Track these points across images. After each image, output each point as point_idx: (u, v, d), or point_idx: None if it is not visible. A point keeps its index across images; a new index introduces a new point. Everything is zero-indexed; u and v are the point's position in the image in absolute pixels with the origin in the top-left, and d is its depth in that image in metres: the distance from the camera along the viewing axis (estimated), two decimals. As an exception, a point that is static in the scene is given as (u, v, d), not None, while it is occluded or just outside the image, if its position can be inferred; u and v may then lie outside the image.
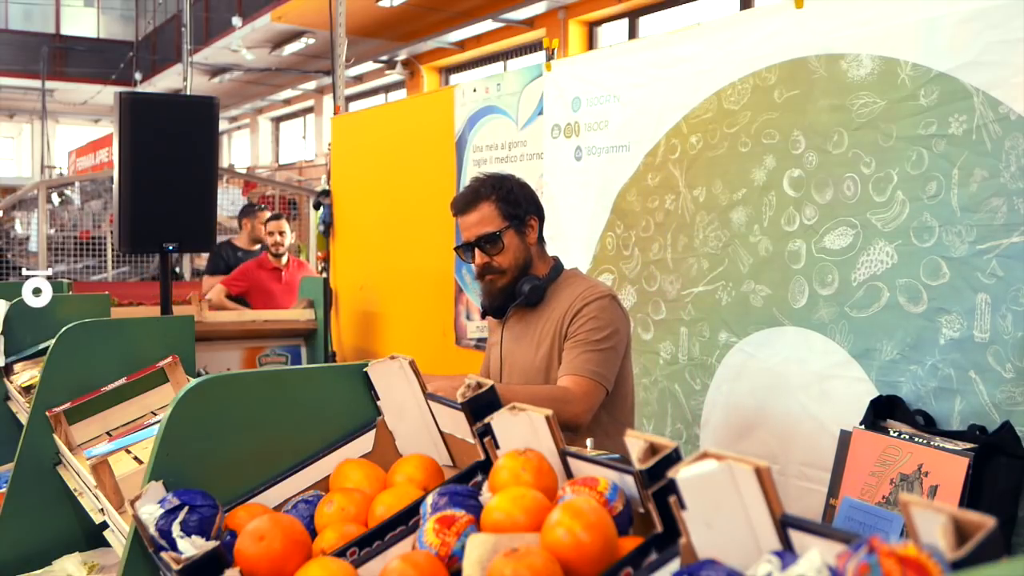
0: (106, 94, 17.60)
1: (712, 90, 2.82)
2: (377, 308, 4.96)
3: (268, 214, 5.50)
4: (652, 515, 0.97)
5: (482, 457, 1.22)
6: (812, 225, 2.52)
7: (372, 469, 1.37)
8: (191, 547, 1.17)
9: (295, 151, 18.46)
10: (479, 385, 1.23)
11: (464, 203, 2.25)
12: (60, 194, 9.10)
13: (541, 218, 2.31)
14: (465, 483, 1.19)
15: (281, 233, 5.23)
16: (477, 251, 2.23)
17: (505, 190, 2.24)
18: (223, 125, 19.12)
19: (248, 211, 5.75)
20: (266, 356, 4.72)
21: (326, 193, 5.55)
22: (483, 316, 2.39)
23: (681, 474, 0.86)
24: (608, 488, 1.03)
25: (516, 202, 2.24)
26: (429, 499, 1.14)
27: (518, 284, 2.24)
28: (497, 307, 2.29)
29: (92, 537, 2.12)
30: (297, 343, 4.81)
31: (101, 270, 8.09)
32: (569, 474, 1.13)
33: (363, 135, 5.23)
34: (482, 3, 10.42)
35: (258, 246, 5.54)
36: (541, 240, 2.31)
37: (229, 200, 8.95)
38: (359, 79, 14.00)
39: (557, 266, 2.31)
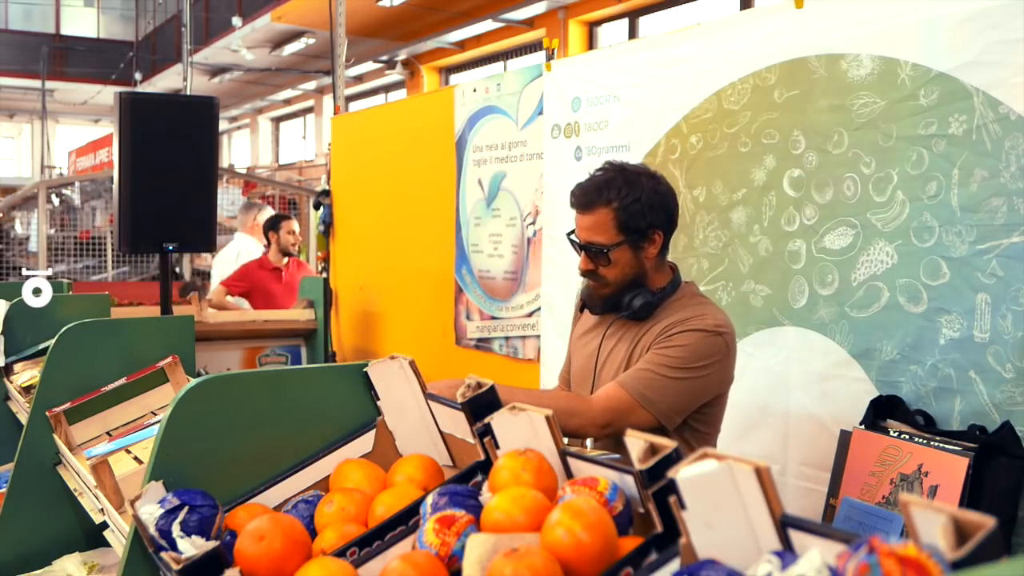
0: (106, 94, 17.60)
1: (712, 90, 2.82)
2: (377, 308, 4.96)
3: (295, 223, 5.40)
4: (652, 515, 0.97)
5: (482, 457, 1.22)
6: (812, 225, 2.52)
7: (372, 469, 1.37)
8: (191, 547, 1.17)
9: (295, 151, 18.46)
10: (479, 385, 1.23)
11: (582, 201, 2.00)
12: (59, 194, 9.09)
13: (669, 229, 2.04)
14: (465, 483, 1.20)
15: (299, 232, 5.34)
16: (584, 254, 2.02)
17: (631, 199, 1.95)
18: (223, 125, 19.11)
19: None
20: (266, 356, 4.72)
21: (326, 193, 5.55)
22: (580, 310, 2.18)
23: (681, 474, 0.86)
24: (608, 488, 1.03)
25: (639, 213, 1.96)
26: (429, 499, 1.14)
27: (625, 297, 2.01)
28: (597, 310, 2.09)
29: (92, 537, 2.12)
30: (297, 343, 4.81)
31: (101, 270, 8.09)
32: (569, 474, 1.14)
33: (363, 135, 5.23)
34: (482, 3, 10.42)
35: (287, 259, 5.37)
36: (665, 250, 2.04)
37: (229, 200, 8.95)
38: (359, 79, 14.00)
39: (675, 280, 2.06)
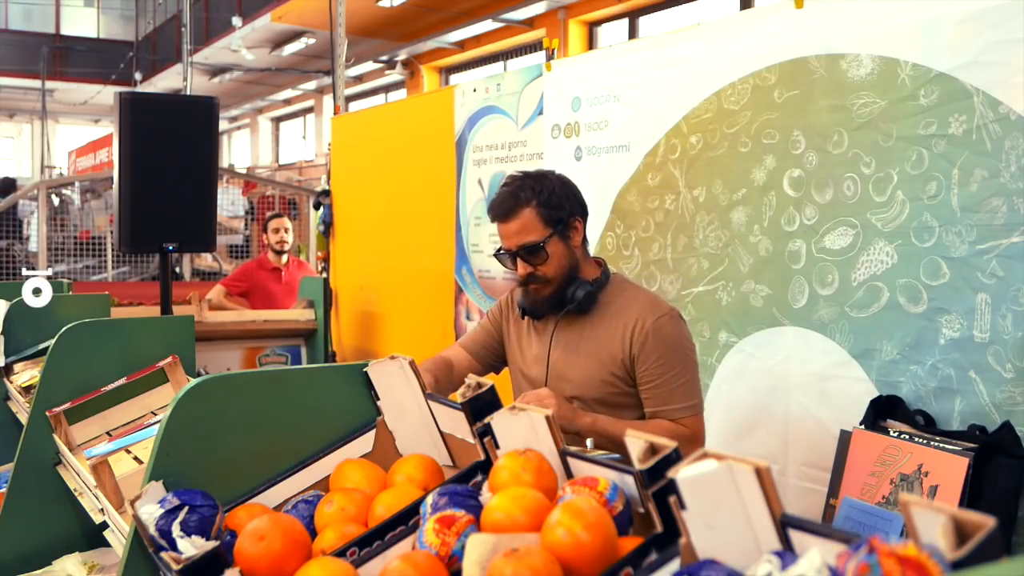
0: (106, 94, 17.59)
1: (712, 90, 2.82)
2: (377, 308, 4.96)
3: (284, 221, 5.40)
4: (652, 515, 0.97)
5: (482, 457, 1.22)
6: (812, 225, 2.52)
7: (372, 469, 1.37)
8: (191, 547, 1.17)
9: (295, 151, 18.46)
10: (479, 385, 1.23)
11: (502, 210, 2.08)
12: (58, 194, 9.09)
13: (585, 216, 2.14)
14: (465, 483, 1.19)
15: (286, 230, 5.27)
16: (520, 260, 2.07)
17: (546, 193, 2.06)
18: (223, 125, 19.10)
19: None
20: (266, 356, 4.72)
21: (326, 193, 5.55)
22: (522, 317, 2.22)
23: (681, 474, 0.86)
24: (608, 488, 1.03)
25: (558, 205, 2.06)
26: (429, 499, 1.14)
27: (567, 290, 2.08)
28: (542, 314, 2.15)
29: (92, 537, 2.12)
30: (297, 343, 4.82)
31: (101, 270, 8.08)
32: (569, 474, 1.14)
33: (363, 135, 5.23)
34: (482, 3, 10.42)
35: (286, 259, 5.36)
36: (585, 239, 2.16)
37: (229, 200, 8.94)
38: (359, 79, 14.00)
39: (606, 270, 2.17)
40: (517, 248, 2.06)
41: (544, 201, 2.06)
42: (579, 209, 2.13)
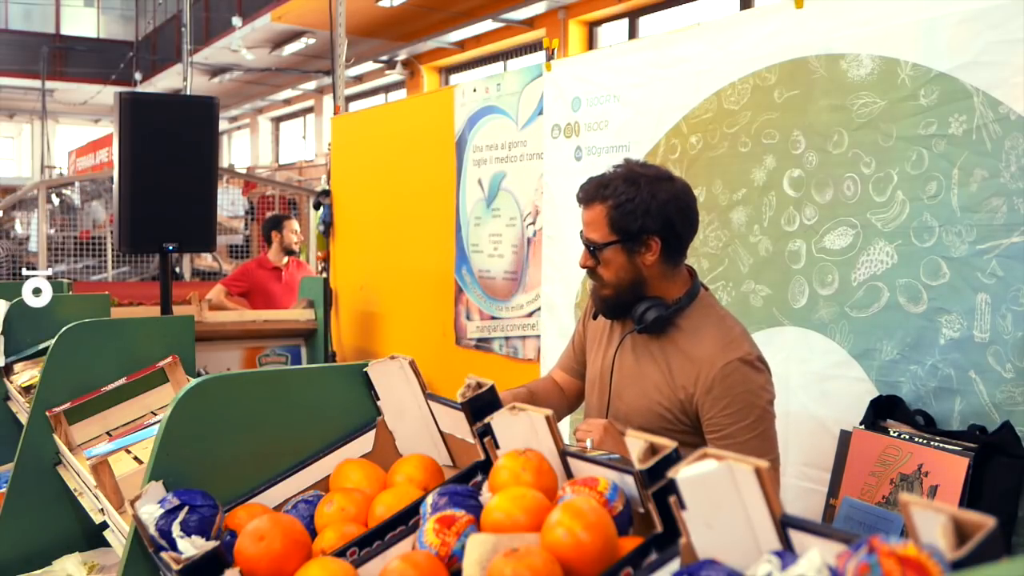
0: (106, 94, 17.60)
1: (712, 90, 2.82)
2: (377, 308, 4.96)
3: (295, 222, 5.43)
4: (652, 515, 0.97)
5: (482, 457, 1.22)
6: (812, 225, 2.52)
7: (372, 469, 1.37)
8: (191, 547, 1.17)
9: (295, 151, 18.47)
10: (479, 385, 1.23)
11: (585, 196, 1.95)
12: (59, 194, 9.09)
13: (671, 238, 1.92)
14: (465, 483, 1.20)
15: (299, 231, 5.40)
16: (584, 250, 1.97)
17: (624, 198, 1.88)
18: (223, 125, 19.11)
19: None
20: (266, 356, 4.73)
21: (326, 193, 5.56)
22: (595, 317, 2.08)
23: (681, 474, 0.86)
24: (608, 488, 1.04)
25: (631, 215, 1.87)
26: (429, 499, 1.14)
27: (637, 306, 1.93)
28: (599, 310, 2.03)
29: (92, 537, 2.12)
30: (297, 343, 4.82)
31: (101, 270, 8.08)
32: (569, 474, 1.14)
33: (363, 135, 5.23)
34: (482, 3, 10.43)
35: (287, 258, 5.37)
36: (672, 259, 1.94)
37: (229, 200, 8.94)
38: (359, 79, 14.01)
39: (692, 290, 1.96)
40: (584, 239, 1.96)
41: (618, 206, 1.88)
42: (660, 228, 1.89)
